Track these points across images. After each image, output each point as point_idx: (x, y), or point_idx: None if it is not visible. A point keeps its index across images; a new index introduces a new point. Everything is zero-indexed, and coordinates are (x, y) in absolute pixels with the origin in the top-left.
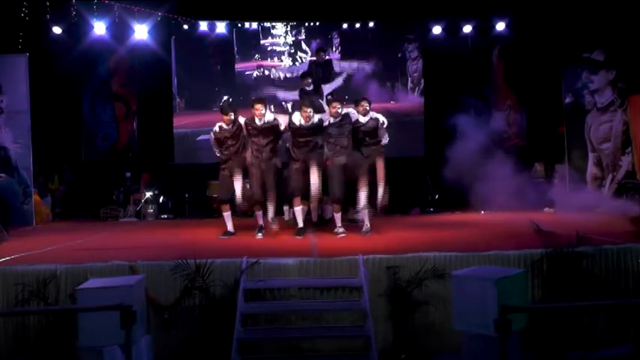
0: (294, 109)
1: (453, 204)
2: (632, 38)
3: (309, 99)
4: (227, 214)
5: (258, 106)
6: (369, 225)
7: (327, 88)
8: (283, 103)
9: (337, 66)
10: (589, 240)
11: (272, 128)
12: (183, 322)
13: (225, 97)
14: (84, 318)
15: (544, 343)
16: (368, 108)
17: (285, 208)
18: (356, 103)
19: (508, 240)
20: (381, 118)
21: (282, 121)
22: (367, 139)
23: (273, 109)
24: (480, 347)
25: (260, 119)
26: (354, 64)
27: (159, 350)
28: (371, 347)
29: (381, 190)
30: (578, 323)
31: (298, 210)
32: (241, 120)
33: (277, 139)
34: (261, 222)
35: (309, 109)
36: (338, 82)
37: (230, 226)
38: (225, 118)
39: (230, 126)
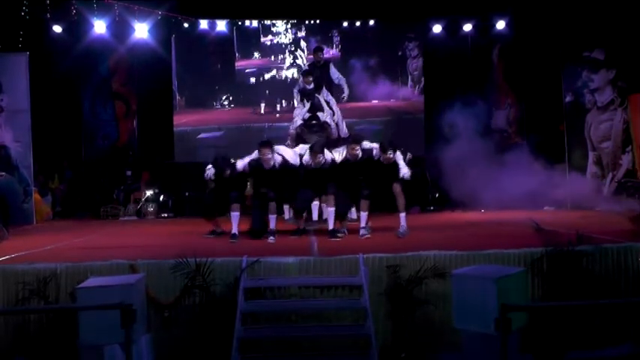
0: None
1: (453, 202)
2: (632, 37)
3: (318, 145)
4: (236, 214)
5: (266, 151)
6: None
7: (325, 93)
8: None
9: (335, 73)
10: (589, 239)
11: (283, 171)
12: (183, 320)
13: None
14: (84, 317)
15: (544, 342)
16: (392, 156)
17: (286, 207)
18: (383, 149)
19: (508, 239)
20: (405, 173)
21: (291, 155)
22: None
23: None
24: (480, 346)
25: (268, 165)
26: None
27: (159, 349)
28: (371, 346)
29: (403, 217)
30: (578, 322)
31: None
32: (243, 163)
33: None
34: (272, 226)
35: (319, 155)
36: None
37: (235, 228)
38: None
39: (227, 176)
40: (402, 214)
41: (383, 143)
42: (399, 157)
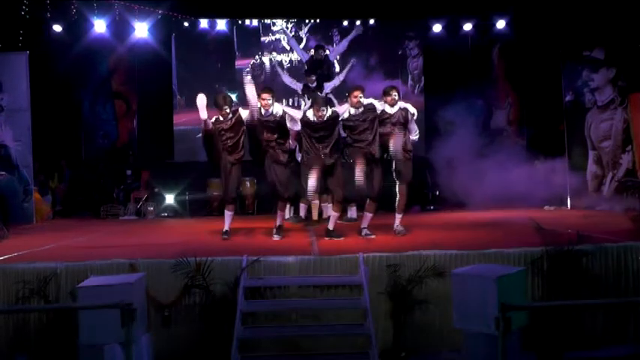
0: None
1: (453, 202)
2: (632, 36)
3: (320, 98)
4: (230, 214)
5: (266, 96)
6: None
7: (327, 87)
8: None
9: (333, 56)
10: (589, 238)
11: (279, 123)
12: (183, 320)
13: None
14: (84, 316)
15: (544, 341)
16: (397, 98)
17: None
18: (384, 93)
19: (508, 238)
20: (411, 109)
21: (293, 114)
22: (396, 130)
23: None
24: (480, 345)
25: (267, 110)
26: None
27: (159, 348)
28: (371, 345)
29: (399, 218)
30: (577, 322)
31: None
32: (243, 113)
33: (285, 135)
34: (280, 222)
35: (322, 109)
36: (336, 82)
37: (227, 226)
38: (221, 113)
39: (228, 118)
40: (399, 215)
41: (384, 89)
42: (411, 112)
